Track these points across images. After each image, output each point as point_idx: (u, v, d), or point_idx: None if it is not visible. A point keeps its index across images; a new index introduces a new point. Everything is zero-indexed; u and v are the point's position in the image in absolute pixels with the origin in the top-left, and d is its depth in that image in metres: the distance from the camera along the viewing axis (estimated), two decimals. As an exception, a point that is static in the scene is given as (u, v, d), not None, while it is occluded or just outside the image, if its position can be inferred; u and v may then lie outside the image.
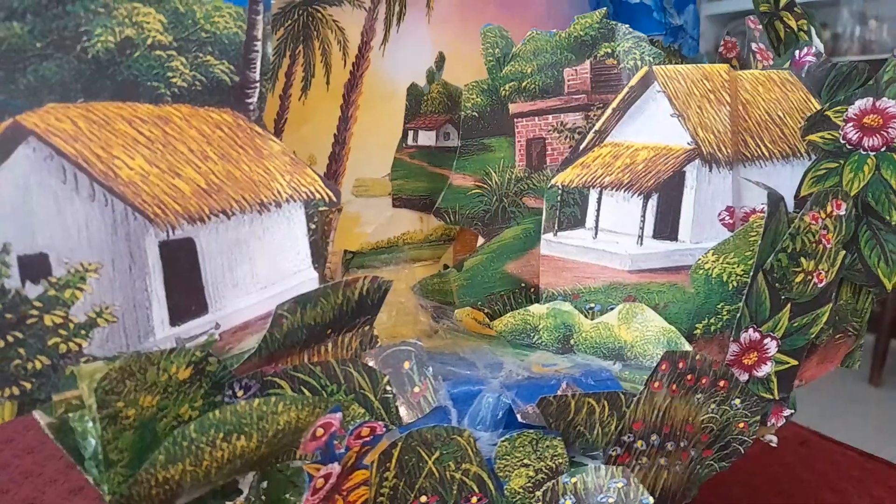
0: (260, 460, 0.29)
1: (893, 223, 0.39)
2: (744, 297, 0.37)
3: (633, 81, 0.43)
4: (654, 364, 0.33)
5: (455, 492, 0.32)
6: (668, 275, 0.40)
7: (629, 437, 0.34)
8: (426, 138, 0.50)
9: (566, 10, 0.52)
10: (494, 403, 0.34)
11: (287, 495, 0.30)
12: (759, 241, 0.36)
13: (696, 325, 0.38)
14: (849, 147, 0.39)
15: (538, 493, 0.32)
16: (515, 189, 0.48)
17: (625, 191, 0.42)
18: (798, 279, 0.37)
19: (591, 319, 0.42)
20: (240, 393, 0.29)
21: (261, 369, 0.30)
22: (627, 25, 0.44)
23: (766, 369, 0.37)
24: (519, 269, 0.47)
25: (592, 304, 0.43)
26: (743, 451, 0.36)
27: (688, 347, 0.37)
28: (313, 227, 0.35)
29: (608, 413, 0.33)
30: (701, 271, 0.39)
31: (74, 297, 0.29)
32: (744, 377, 0.37)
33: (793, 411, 0.39)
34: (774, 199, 0.37)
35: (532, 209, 0.47)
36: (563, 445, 0.33)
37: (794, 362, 0.38)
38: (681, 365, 0.34)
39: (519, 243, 0.48)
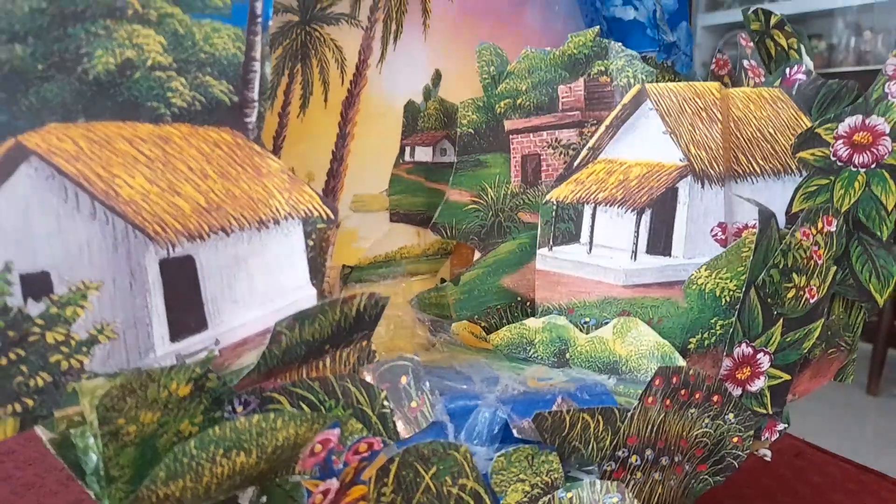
0: (259, 476, 0.29)
1: (884, 239, 0.40)
2: (736, 313, 0.37)
3: (626, 99, 0.43)
4: (649, 378, 0.34)
5: (452, 506, 0.32)
6: (661, 290, 0.41)
7: (624, 452, 0.34)
8: (423, 154, 0.51)
9: (560, 29, 0.53)
10: (491, 418, 0.35)
11: (286, 510, 0.30)
12: (751, 257, 0.37)
13: (690, 340, 0.39)
14: (839, 164, 0.40)
15: (534, 508, 0.32)
16: (511, 204, 0.48)
17: (618, 207, 0.43)
18: (790, 295, 0.37)
19: (586, 333, 0.43)
20: (239, 409, 0.29)
21: (260, 385, 0.30)
22: (620, 44, 0.45)
23: (759, 384, 0.37)
24: (515, 283, 0.48)
25: (587, 319, 0.43)
26: (737, 466, 0.37)
27: (681, 362, 0.38)
28: (311, 243, 0.35)
29: (603, 428, 0.33)
30: (694, 286, 0.39)
31: (76, 315, 0.29)
32: (737, 392, 0.37)
33: (786, 425, 0.39)
34: (766, 216, 0.37)
35: (527, 224, 0.48)
36: (559, 461, 0.33)
37: (787, 377, 0.38)
38: (674, 380, 0.34)
39: (514, 258, 0.48)
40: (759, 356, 0.37)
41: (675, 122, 0.42)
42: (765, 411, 0.38)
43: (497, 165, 0.48)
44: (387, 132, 0.49)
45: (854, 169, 0.40)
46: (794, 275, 0.37)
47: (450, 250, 0.54)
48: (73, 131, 0.29)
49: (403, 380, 0.34)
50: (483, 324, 0.48)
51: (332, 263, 0.39)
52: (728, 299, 0.38)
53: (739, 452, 0.36)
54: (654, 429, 0.34)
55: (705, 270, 0.39)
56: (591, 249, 0.44)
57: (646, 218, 0.42)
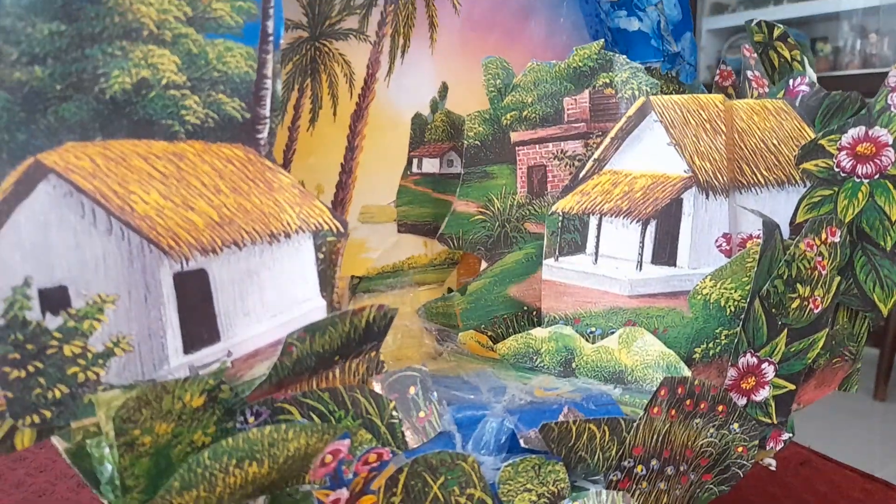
0: (271, 486, 0.30)
1: (888, 249, 0.40)
2: (741, 323, 0.38)
3: (631, 111, 0.44)
4: (654, 388, 0.34)
5: (460, 516, 0.32)
6: (667, 300, 0.41)
7: (629, 461, 0.34)
8: (430, 166, 0.52)
9: (565, 41, 0.54)
10: (498, 428, 0.35)
11: (297, 520, 0.30)
12: (756, 268, 0.37)
13: (695, 350, 0.39)
14: (843, 175, 0.40)
15: (541, 517, 0.33)
16: (517, 215, 0.49)
17: (624, 217, 0.43)
18: (794, 305, 0.38)
19: (592, 343, 0.43)
20: (251, 419, 0.30)
21: (271, 396, 0.31)
22: (625, 56, 0.46)
23: (763, 394, 0.38)
24: (521, 293, 0.48)
25: (593, 328, 0.44)
26: (742, 475, 0.37)
27: (687, 372, 0.38)
28: (321, 256, 0.36)
29: (609, 438, 0.33)
30: (699, 297, 0.40)
31: (92, 328, 0.30)
32: (742, 402, 0.38)
33: (791, 435, 0.39)
34: (770, 227, 0.38)
35: (534, 234, 0.48)
36: (566, 470, 0.33)
37: (792, 387, 0.38)
38: (680, 390, 0.34)
39: (521, 268, 0.49)
40: (763, 366, 0.38)
41: (680, 133, 0.42)
42: (769, 421, 0.38)
43: (503, 176, 0.49)
44: (395, 144, 0.50)
45: (857, 180, 0.40)
46: (799, 285, 0.37)
47: (457, 260, 0.54)
48: (90, 149, 0.30)
49: (412, 390, 0.35)
50: (490, 333, 0.49)
51: (340, 274, 0.40)
52: (733, 309, 0.38)
53: (744, 462, 0.37)
54: (660, 439, 0.34)
55: (710, 281, 0.39)
56: (596, 260, 0.44)
57: (651, 229, 0.42)
